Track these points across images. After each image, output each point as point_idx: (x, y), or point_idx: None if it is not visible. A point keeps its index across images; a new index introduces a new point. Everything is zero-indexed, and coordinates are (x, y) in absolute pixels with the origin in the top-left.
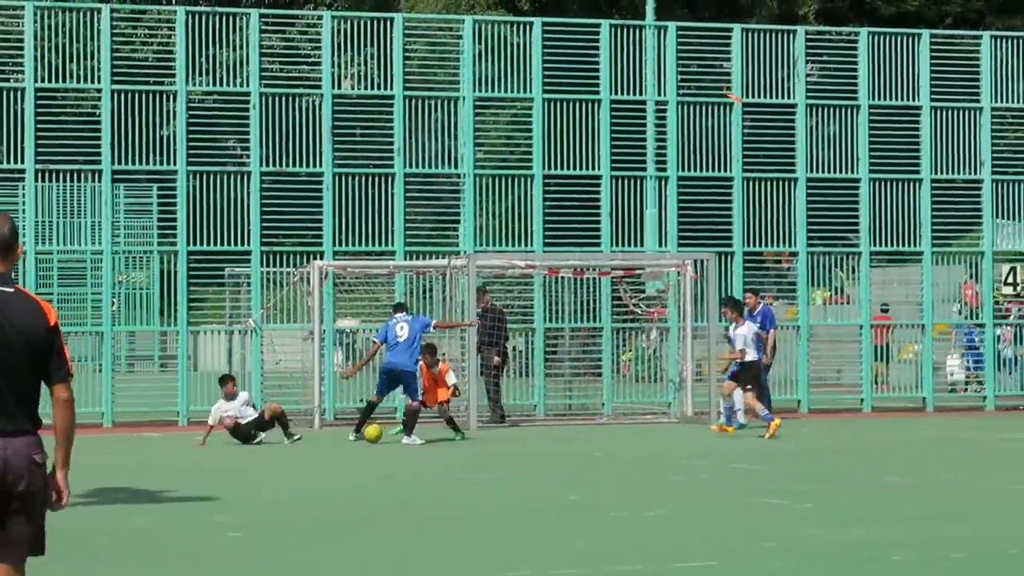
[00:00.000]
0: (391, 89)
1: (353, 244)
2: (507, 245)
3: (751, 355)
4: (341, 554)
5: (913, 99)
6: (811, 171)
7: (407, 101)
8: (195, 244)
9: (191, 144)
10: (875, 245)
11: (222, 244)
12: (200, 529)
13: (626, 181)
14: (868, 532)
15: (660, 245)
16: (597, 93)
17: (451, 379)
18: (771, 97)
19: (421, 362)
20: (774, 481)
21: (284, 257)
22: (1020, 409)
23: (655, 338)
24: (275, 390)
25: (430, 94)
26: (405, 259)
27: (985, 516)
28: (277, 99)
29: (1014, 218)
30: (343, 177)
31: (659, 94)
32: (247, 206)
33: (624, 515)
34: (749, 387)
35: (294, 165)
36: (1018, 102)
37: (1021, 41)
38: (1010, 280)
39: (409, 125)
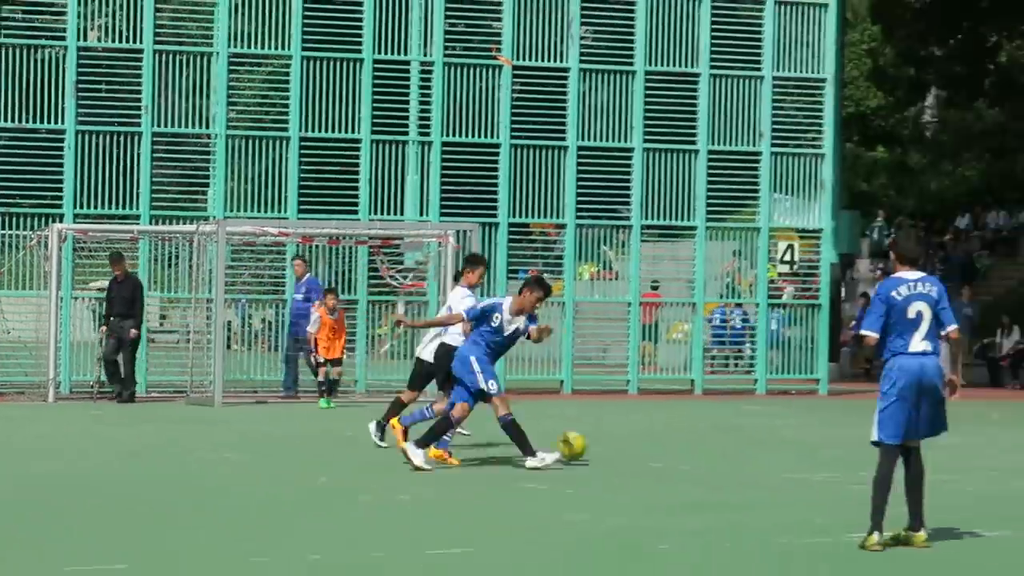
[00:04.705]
0: (140, 42)
1: (96, 207)
2: (260, 211)
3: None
4: (64, 543)
5: (692, 65)
6: (583, 139)
7: (157, 56)
8: None
9: None
10: (647, 218)
11: None
12: None
13: (387, 146)
14: (632, 520)
15: (421, 214)
16: (359, 52)
17: None
18: (543, 60)
19: None
20: None
21: (21, 219)
22: (792, 393)
23: (402, 312)
24: (5, 361)
25: (182, 49)
26: (150, 224)
27: (754, 504)
28: (16, 51)
29: (792, 193)
30: (86, 135)
31: (424, 54)
32: None
33: (372, 498)
34: None
35: (34, 121)
36: (801, 71)
37: (805, 8)
38: (787, 258)
39: (159, 81)
